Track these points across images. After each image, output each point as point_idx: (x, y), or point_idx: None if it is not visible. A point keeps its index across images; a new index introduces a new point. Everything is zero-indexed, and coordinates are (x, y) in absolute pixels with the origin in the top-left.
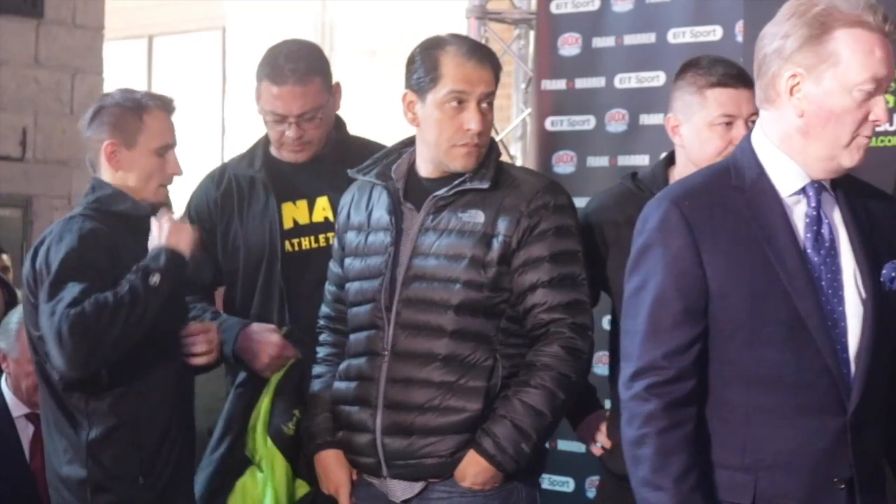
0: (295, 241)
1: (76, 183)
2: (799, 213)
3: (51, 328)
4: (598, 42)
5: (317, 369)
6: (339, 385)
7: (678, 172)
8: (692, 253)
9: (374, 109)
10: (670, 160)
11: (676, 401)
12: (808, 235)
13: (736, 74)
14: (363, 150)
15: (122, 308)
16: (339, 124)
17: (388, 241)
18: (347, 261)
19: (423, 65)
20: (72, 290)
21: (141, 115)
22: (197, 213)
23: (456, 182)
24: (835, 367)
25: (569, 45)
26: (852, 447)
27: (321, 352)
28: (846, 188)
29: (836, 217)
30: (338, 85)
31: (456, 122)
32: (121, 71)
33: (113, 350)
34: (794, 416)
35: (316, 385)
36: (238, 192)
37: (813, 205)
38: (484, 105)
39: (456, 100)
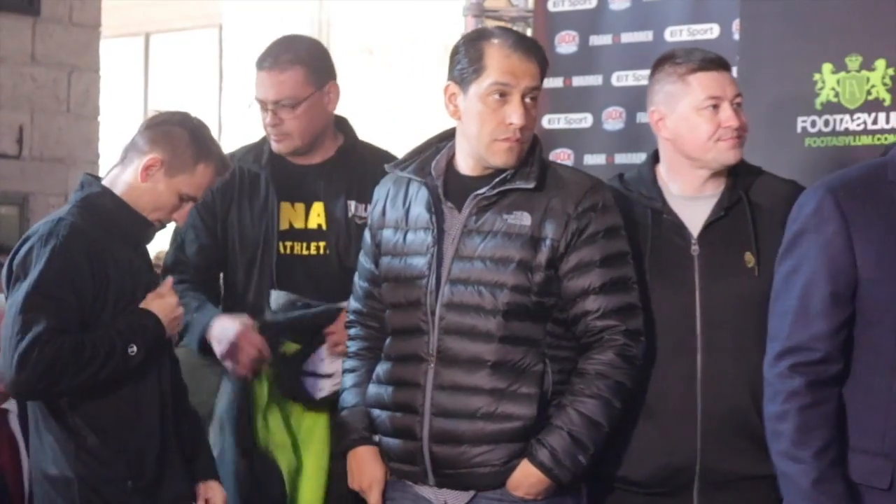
0: (288, 244)
1: (72, 180)
2: None
3: (12, 346)
4: (595, 40)
5: (348, 363)
6: (378, 389)
7: (664, 169)
8: (844, 240)
9: (371, 108)
10: (655, 158)
11: (820, 381)
12: None
13: (715, 58)
14: (371, 157)
15: (95, 362)
16: (347, 129)
17: (430, 242)
18: (385, 259)
19: (467, 55)
20: (47, 312)
21: (199, 160)
22: (206, 197)
23: (497, 180)
24: None
25: (566, 43)
26: None
27: (352, 346)
28: None
29: None
30: (333, 85)
31: (498, 116)
32: (117, 69)
33: (67, 390)
34: None
35: (349, 379)
36: (240, 184)
37: None
38: (528, 100)
39: (499, 92)
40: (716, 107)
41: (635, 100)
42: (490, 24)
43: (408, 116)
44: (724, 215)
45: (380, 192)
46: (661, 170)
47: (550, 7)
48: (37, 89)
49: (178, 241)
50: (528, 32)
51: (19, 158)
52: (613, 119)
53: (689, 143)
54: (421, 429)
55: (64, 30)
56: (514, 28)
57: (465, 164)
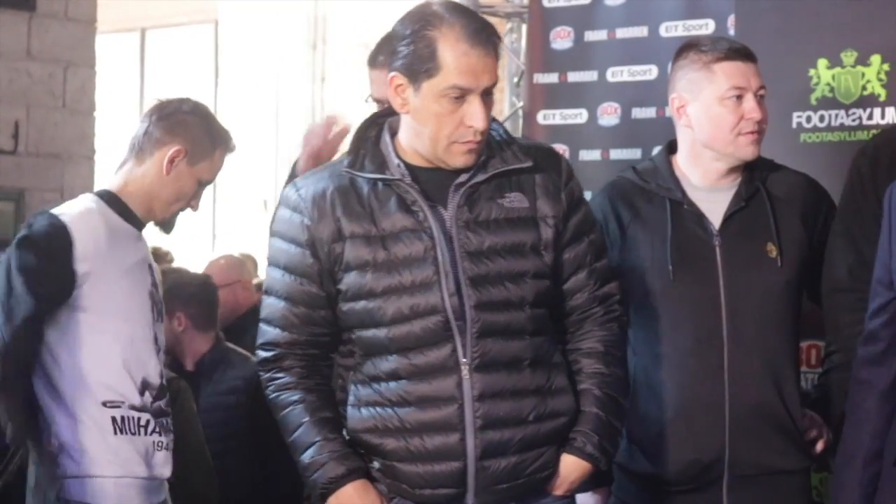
0: None
1: (68, 176)
2: None
3: None
4: (591, 35)
5: (292, 395)
6: (381, 412)
7: (682, 158)
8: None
9: (369, 109)
10: (670, 149)
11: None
12: None
13: (742, 48)
14: None
15: None
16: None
17: (427, 244)
18: (354, 276)
19: (415, 49)
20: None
21: (216, 145)
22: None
23: (481, 164)
24: None
25: (561, 39)
26: None
27: (286, 376)
28: None
29: None
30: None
31: (456, 117)
32: (113, 64)
33: None
34: None
35: (301, 412)
36: None
37: None
38: (487, 97)
39: (457, 94)
40: (739, 97)
41: (630, 95)
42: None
43: None
44: (745, 206)
45: (311, 197)
46: (679, 160)
47: (545, 3)
48: (32, 85)
49: None
50: (524, 28)
51: (15, 154)
52: (608, 114)
53: (709, 133)
54: (464, 447)
55: (60, 25)
56: (509, 24)
57: (419, 158)
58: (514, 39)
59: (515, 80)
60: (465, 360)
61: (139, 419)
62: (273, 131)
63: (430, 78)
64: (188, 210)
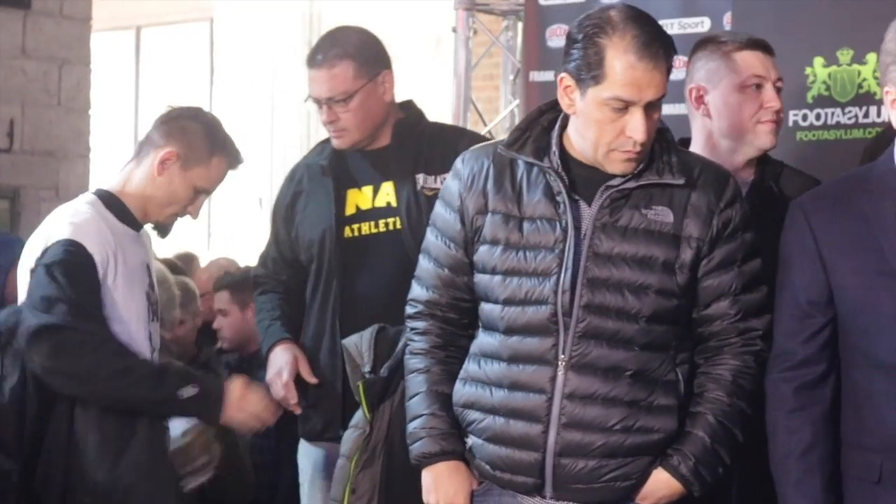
0: (355, 226)
1: (63, 174)
2: None
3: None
4: None
5: (419, 362)
6: (478, 390)
7: (694, 149)
8: (814, 251)
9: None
10: (681, 145)
11: (804, 384)
12: None
13: (761, 40)
14: (436, 136)
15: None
16: (411, 111)
17: (559, 235)
18: (487, 248)
19: (585, 54)
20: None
21: (213, 154)
22: (276, 215)
23: (639, 172)
24: None
25: (557, 37)
26: None
27: (421, 341)
28: None
29: None
30: (388, 73)
31: (618, 126)
32: (109, 62)
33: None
34: None
35: (419, 381)
36: (309, 181)
37: None
38: (651, 110)
39: (620, 105)
40: (759, 87)
41: None
42: (482, 17)
43: None
44: (757, 203)
45: (471, 168)
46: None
47: (542, 0)
48: (27, 83)
49: (263, 255)
50: (520, 26)
51: (10, 152)
52: None
53: (728, 121)
54: (545, 440)
55: (55, 23)
56: (505, 21)
57: (582, 155)
58: (510, 37)
59: (511, 77)
60: (563, 356)
61: None
62: (268, 130)
63: (596, 85)
64: (187, 217)
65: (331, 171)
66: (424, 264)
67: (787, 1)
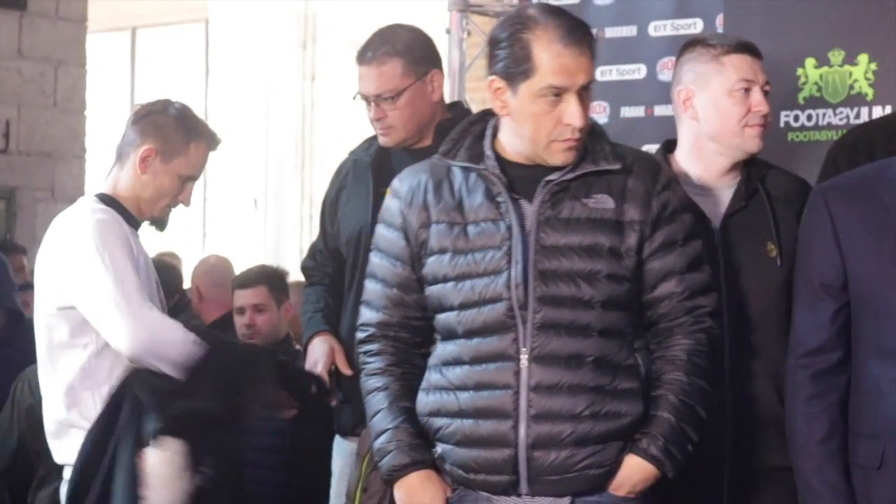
0: None
1: (59, 175)
2: None
3: None
4: None
5: (377, 381)
6: (442, 396)
7: (683, 154)
8: (832, 237)
9: (357, 106)
10: (667, 149)
11: (822, 371)
12: None
13: (749, 44)
14: None
15: None
16: (458, 111)
17: (504, 233)
18: (435, 258)
19: (511, 52)
20: None
21: (190, 140)
22: (323, 208)
23: (574, 164)
24: None
25: None
26: None
27: (376, 361)
28: None
29: None
30: (437, 73)
31: (554, 116)
32: (104, 63)
33: None
34: None
35: (380, 399)
36: (353, 176)
37: None
38: (583, 93)
39: (554, 93)
40: (747, 90)
41: (619, 94)
42: (476, 18)
43: None
44: (745, 206)
45: (409, 185)
46: (679, 156)
47: (534, 1)
48: (23, 83)
49: (312, 247)
50: None
51: (6, 153)
52: (597, 113)
53: (716, 125)
54: (517, 434)
55: (50, 24)
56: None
57: (517, 154)
58: None
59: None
60: (524, 349)
61: None
62: (263, 129)
63: (527, 79)
64: (181, 206)
65: (373, 168)
66: (371, 287)
67: (779, 2)
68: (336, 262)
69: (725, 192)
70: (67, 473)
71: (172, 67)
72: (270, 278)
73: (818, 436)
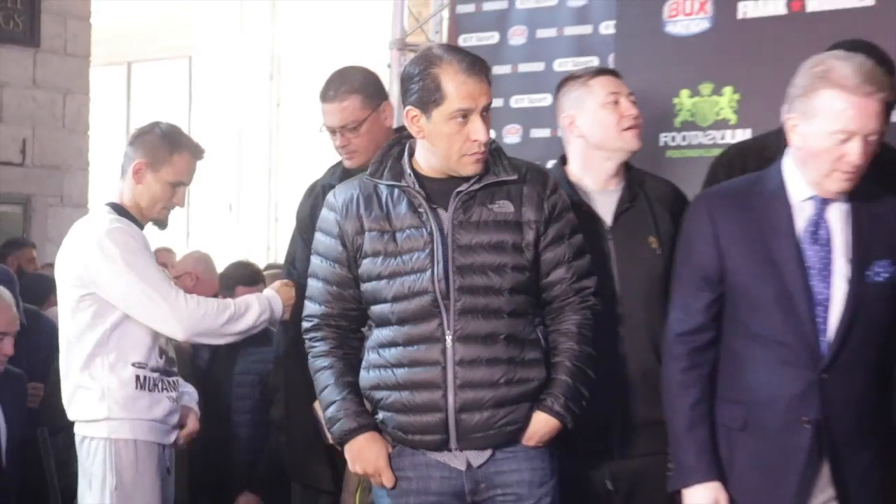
0: None
1: (66, 185)
2: (804, 214)
3: None
4: (497, 69)
5: (323, 362)
6: (381, 373)
7: (575, 166)
8: (712, 237)
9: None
10: (563, 162)
11: (696, 347)
12: (808, 232)
13: (607, 68)
14: None
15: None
16: (406, 135)
17: (426, 238)
18: (368, 261)
19: (423, 85)
20: None
21: (173, 152)
22: (300, 224)
23: (477, 177)
24: (811, 333)
25: None
26: (819, 396)
27: (321, 346)
28: (864, 197)
29: (839, 220)
30: (387, 104)
31: (463, 135)
32: (104, 92)
33: None
34: (778, 367)
35: (326, 377)
36: (324, 197)
37: (815, 210)
38: (485, 114)
39: (462, 115)
40: (616, 102)
41: (529, 118)
42: (411, 56)
43: None
44: (630, 206)
45: (343, 199)
46: (572, 169)
47: (461, 42)
48: (37, 109)
49: (288, 259)
50: None
51: (22, 166)
52: (512, 134)
53: (599, 135)
54: (446, 402)
55: (60, 59)
56: None
57: (431, 170)
58: None
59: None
60: (449, 332)
61: (153, 378)
62: (237, 146)
63: (438, 106)
64: (177, 207)
65: None
66: (314, 284)
67: (659, 44)
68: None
69: (613, 196)
70: (77, 428)
71: (162, 95)
72: (245, 279)
73: (690, 401)
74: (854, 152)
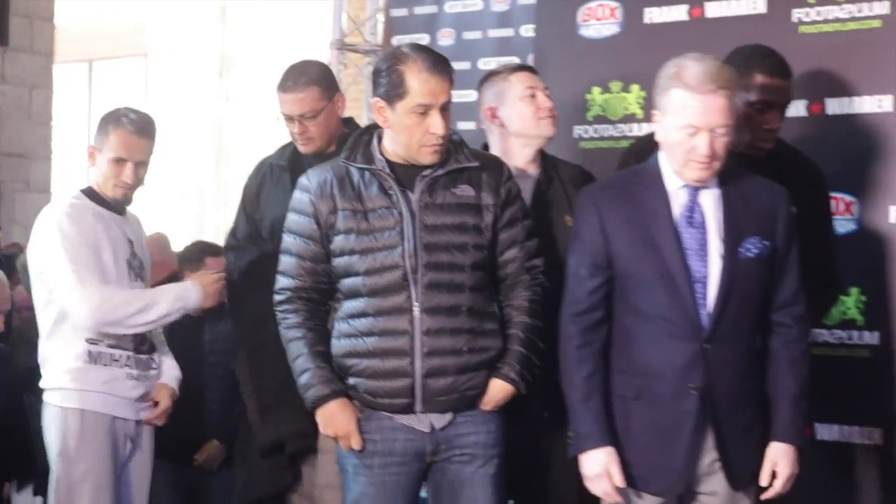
0: None
1: (32, 172)
2: (680, 201)
3: None
4: None
5: (296, 332)
6: (352, 341)
7: (494, 153)
8: (599, 226)
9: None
10: (485, 150)
11: (588, 326)
12: (684, 216)
13: (525, 65)
14: None
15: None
16: (351, 125)
17: (397, 217)
18: (342, 237)
19: (390, 79)
20: None
21: (109, 130)
22: (246, 197)
23: (443, 162)
24: (692, 308)
25: None
26: (703, 365)
27: (293, 318)
28: (734, 182)
29: (711, 205)
30: (340, 95)
31: (423, 127)
32: (67, 87)
33: None
34: (665, 340)
35: (300, 346)
36: (270, 176)
37: (689, 196)
38: (445, 110)
39: (422, 110)
40: (533, 96)
41: (456, 112)
42: (350, 55)
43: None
44: (546, 188)
45: (318, 181)
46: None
47: (394, 42)
48: (5, 102)
49: (232, 229)
50: None
51: None
52: None
53: (518, 124)
54: (413, 368)
55: (27, 57)
56: (367, 58)
57: (398, 156)
58: (371, 71)
59: (371, 101)
60: (416, 304)
61: (109, 354)
62: (189, 137)
63: (402, 100)
64: (126, 183)
65: (290, 170)
66: (287, 260)
67: (573, 45)
68: (253, 237)
69: (530, 180)
70: (46, 396)
71: (120, 90)
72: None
73: (583, 374)
74: (702, 145)
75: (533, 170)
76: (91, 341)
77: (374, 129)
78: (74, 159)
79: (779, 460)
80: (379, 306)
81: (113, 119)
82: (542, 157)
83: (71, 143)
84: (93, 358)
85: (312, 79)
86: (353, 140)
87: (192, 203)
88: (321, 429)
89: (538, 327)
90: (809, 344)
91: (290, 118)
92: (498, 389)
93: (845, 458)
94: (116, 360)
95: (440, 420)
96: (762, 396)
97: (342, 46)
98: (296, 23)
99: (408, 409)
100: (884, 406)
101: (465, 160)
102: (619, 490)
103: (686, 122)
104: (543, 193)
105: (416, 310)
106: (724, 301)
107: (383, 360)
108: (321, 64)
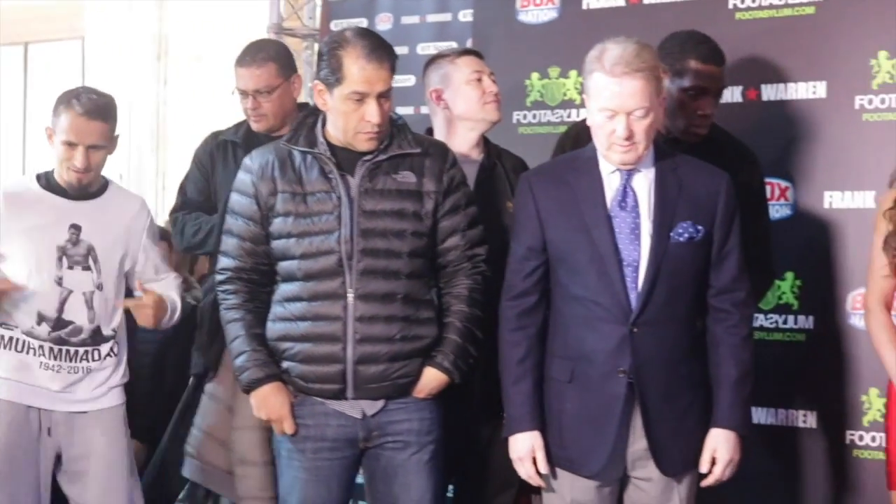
0: None
1: None
2: (613, 185)
3: None
4: None
5: (235, 314)
6: (287, 325)
7: (438, 136)
8: (534, 211)
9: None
10: (429, 133)
11: (523, 310)
12: (616, 200)
13: (471, 49)
14: None
15: None
16: (310, 112)
17: (335, 201)
18: (281, 220)
19: (329, 63)
20: None
21: (59, 112)
22: (197, 160)
23: (383, 148)
24: (622, 291)
25: None
26: (632, 348)
27: (233, 299)
28: (673, 166)
29: (644, 188)
30: (297, 77)
31: (359, 115)
32: (2, 71)
33: None
34: (596, 323)
35: (237, 328)
36: (223, 152)
37: (622, 180)
38: (382, 99)
39: (358, 98)
40: (479, 80)
41: (395, 97)
42: (287, 39)
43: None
44: (489, 175)
45: (259, 162)
46: (436, 137)
47: (332, 27)
48: None
49: (182, 194)
50: (315, 46)
51: None
52: None
53: (464, 107)
54: (345, 354)
55: None
56: (305, 42)
57: (339, 141)
58: (309, 55)
59: (310, 84)
60: (350, 290)
61: (23, 341)
62: (127, 122)
63: (339, 85)
64: (77, 167)
65: (243, 146)
66: (228, 240)
67: (512, 31)
68: (203, 192)
69: (474, 165)
70: None
71: (57, 74)
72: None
73: (516, 358)
74: (619, 127)
75: (476, 155)
76: (5, 326)
77: (319, 112)
78: (9, 142)
79: (718, 446)
80: (313, 291)
81: (65, 100)
82: (486, 144)
83: (6, 127)
84: (4, 343)
85: (270, 55)
86: (298, 122)
87: (131, 187)
88: (254, 411)
89: (477, 316)
90: (752, 329)
91: (244, 93)
92: (431, 378)
93: (782, 441)
94: (29, 348)
95: (372, 407)
96: (703, 382)
97: (280, 31)
98: (234, 6)
99: (339, 395)
100: (818, 389)
101: (407, 146)
102: (541, 475)
103: (603, 105)
104: (487, 179)
105: (350, 296)
106: (652, 284)
107: (316, 345)
108: (280, 43)
